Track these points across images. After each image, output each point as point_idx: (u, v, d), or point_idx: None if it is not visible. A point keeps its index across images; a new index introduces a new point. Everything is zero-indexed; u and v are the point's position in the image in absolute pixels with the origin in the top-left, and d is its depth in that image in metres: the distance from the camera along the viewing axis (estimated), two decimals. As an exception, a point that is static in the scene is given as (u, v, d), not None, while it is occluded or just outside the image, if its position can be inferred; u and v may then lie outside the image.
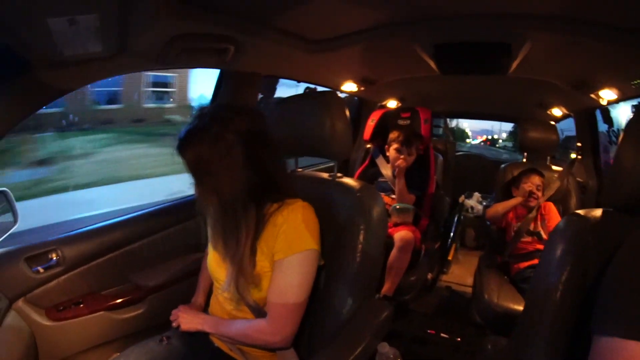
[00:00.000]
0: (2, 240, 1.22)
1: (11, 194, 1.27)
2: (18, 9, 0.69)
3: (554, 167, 2.06)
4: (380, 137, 2.25)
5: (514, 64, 1.38)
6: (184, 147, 0.84)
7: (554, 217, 1.87)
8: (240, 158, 0.82)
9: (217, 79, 1.50)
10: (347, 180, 1.09)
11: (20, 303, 1.12)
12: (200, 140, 0.82)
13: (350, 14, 1.09)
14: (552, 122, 2.14)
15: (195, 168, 0.85)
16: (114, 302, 1.27)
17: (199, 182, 0.86)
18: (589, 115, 2.33)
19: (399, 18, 1.15)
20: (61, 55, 0.90)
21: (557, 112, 2.55)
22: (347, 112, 1.05)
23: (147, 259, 1.35)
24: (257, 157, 0.84)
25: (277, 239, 0.84)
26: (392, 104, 2.75)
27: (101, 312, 1.24)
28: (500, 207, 1.96)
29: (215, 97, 1.51)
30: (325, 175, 1.12)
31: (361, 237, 0.96)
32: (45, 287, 1.17)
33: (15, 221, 1.26)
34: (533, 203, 1.88)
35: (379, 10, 1.10)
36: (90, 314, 1.22)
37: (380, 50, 1.46)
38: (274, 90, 1.77)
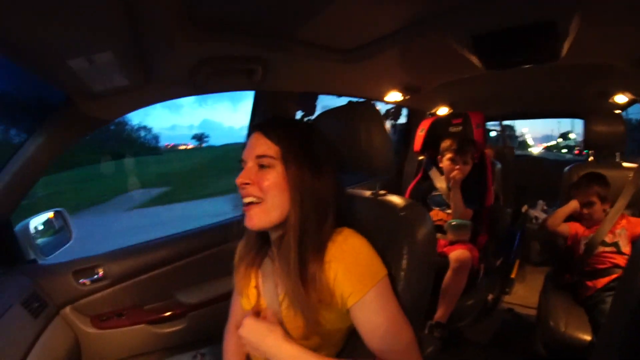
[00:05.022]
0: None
1: (67, 213, 1.36)
2: (39, 52, 0.72)
3: (626, 165, 1.75)
4: (431, 147, 2.10)
5: (565, 47, 1.18)
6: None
7: (636, 224, 1.57)
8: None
9: (254, 100, 1.49)
10: (391, 198, 0.97)
11: (67, 310, 1.24)
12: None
13: (378, 15, 1.01)
14: (618, 111, 1.82)
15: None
16: (155, 316, 1.33)
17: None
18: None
19: (427, 11, 1.03)
20: (92, 90, 0.95)
21: (621, 98, 2.19)
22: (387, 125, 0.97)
23: (189, 277, 1.39)
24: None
25: (340, 279, 0.71)
26: (442, 111, 2.58)
27: (142, 325, 1.31)
28: (559, 213, 1.71)
29: (253, 119, 1.49)
30: (367, 193, 1.02)
31: (404, 263, 0.84)
32: (90, 298, 1.27)
33: (70, 237, 1.36)
34: (597, 215, 1.60)
35: (407, 7, 0.99)
36: (132, 326, 1.30)
37: (418, 52, 1.35)
38: (313, 106, 1.70)
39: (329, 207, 0.75)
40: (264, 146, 0.74)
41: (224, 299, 1.35)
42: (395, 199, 0.96)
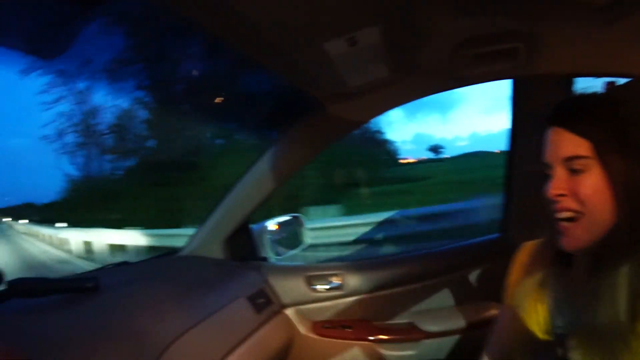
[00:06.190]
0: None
1: (303, 219, 1.42)
2: (296, 38, 0.67)
3: None
4: None
5: None
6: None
7: None
8: None
9: (512, 93, 1.22)
10: None
11: (290, 311, 1.24)
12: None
13: None
14: None
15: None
16: (385, 336, 1.22)
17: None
18: None
19: None
20: (346, 86, 0.89)
21: None
22: None
23: (430, 301, 1.24)
24: None
25: None
26: None
27: (367, 342, 1.22)
28: None
29: (515, 118, 1.21)
30: None
31: None
32: (319, 304, 1.25)
33: (303, 243, 1.43)
34: None
35: None
36: (356, 340, 1.22)
37: None
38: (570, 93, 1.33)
39: None
40: (571, 145, 0.58)
41: (470, 330, 1.19)
42: None
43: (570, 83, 1.25)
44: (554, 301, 0.68)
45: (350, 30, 0.67)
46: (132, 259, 1.27)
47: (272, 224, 1.39)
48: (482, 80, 1.05)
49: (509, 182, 1.24)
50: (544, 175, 0.62)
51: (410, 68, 0.89)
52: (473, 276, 1.23)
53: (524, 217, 1.17)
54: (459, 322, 1.18)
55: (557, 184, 0.59)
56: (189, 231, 1.42)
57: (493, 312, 1.13)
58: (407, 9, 0.66)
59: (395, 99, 1.04)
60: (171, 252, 1.37)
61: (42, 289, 0.76)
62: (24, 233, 14.50)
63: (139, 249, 6.47)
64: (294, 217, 1.43)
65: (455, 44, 0.84)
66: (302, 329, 1.25)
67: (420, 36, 0.78)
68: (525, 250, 0.78)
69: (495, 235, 1.28)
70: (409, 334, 1.21)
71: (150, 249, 6.02)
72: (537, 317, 0.70)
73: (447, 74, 0.95)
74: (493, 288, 1.17)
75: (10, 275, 0.74)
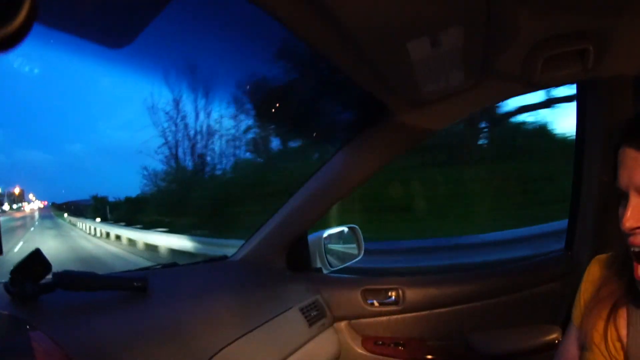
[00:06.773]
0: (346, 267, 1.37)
1: (360, 231, 1.37)
2: (379, 37, 0.66)
3: None
4: None
5: None
6: None
7: None
8: None
9: (577, 98, 1.13)
10: None
11: (342, 324, 1.21)
12: None
13: None
14: None
15: None
16: (439, 357, 1.17)
17: None
18: None
19: None
20: (420, 93, 0.88)
21: None
22: None
23: (488, 321, 1.17)
24: None
25: None
26: None
27: None
28: None
29: (582, 119, 1.11)
30: None
31: None
32: (373, 319, 1.21)
33: (359, 254, 1.35)
34: None
35: None
36: None
37: None
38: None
39: None
40: None
41: (529, 354, 1.12)
42: None
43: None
44: (625, 328, 0.61)
45: (434, 29, 0.65)
46: (182, 261, 1.28)
47: (327, 235, 1.36)
48: (551, 85, 1.02)
49: (576, 193, 1.15)
50: (616, 191, 0.56)
51: (484, 73, 0.87)
52: (535, 296, 1.16)
53: (592, 233, 1.09)
54: (519, 345, 1.11)
55: (633, 214, 0.53)
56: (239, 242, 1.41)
57: (556, 334, 1.07)
58: (489, 7, 0.64)
59: (466, 106, 1.02)
60: (222, 257, 1.37)
61: (88, 284, 0.73)
62: (80, 228, 15.61)
63: (192, 254, 6.68)
64: (350, 228, 1.40)
65: (529, 46, 0.81)
66: (353, 344, 1.21)
67: (498, 38, 0.76)
68: (597, 265, 0.70)
69: (559, 252, 1.20)
70: (466, 355, 1.14)
71: (204, 255, 6.21)
72: (609, 341, 0.63)
73: (518, 80, 0.92)
74: (556, 309, 1.14)
75: (63, 267, 0.73)
